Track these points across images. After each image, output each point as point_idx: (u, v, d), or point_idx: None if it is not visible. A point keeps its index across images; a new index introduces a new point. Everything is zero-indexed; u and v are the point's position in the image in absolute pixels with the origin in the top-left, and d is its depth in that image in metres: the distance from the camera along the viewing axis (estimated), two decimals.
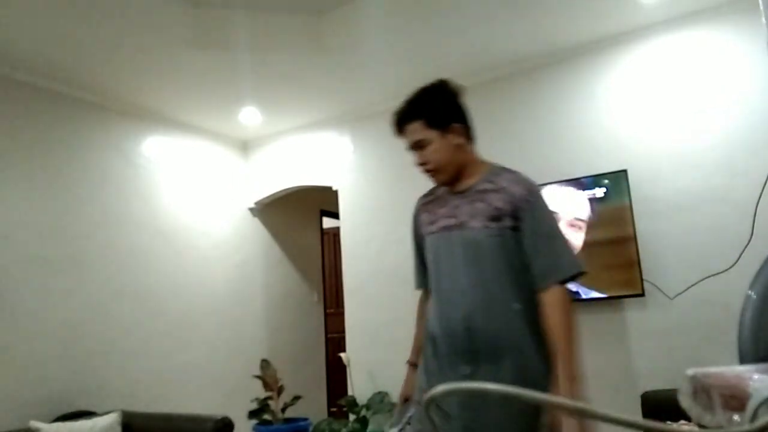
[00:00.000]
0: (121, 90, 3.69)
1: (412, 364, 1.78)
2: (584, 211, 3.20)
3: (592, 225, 3.19)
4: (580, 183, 3.24)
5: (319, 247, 5.61)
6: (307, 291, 5.37)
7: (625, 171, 3.14)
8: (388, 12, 3.24)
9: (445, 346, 1.58)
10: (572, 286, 3.18)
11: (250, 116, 4.26)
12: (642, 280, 3.03)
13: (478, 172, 1.67)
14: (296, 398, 4.04)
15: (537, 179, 3.39)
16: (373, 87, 3.93)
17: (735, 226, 2.89)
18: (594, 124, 3.41)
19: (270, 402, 3.95)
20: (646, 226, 3.13)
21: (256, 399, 3.95)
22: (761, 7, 1.12)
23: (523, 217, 1.56)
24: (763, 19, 1.11)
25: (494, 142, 3.73)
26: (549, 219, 1.60)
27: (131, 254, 3.77)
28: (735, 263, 2.78)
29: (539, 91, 3.61)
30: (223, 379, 4.24)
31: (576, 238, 3.19)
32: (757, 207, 2.61)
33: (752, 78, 3.00)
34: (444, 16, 3.10)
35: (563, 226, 3.24)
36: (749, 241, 2.68)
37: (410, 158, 1.68)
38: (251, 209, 4.80)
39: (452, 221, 1.62)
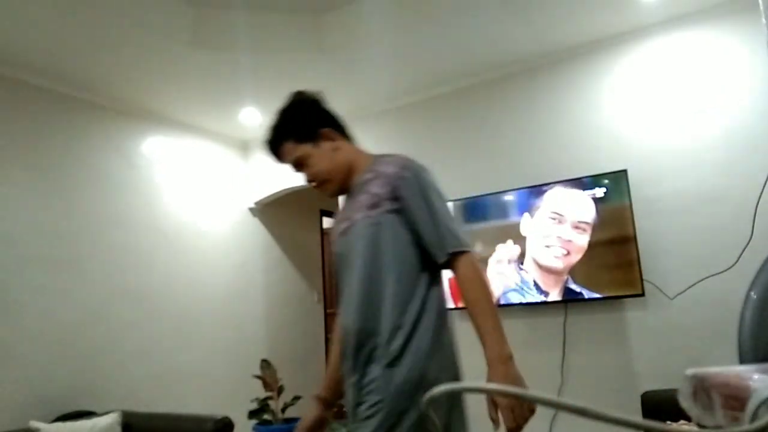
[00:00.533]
0: (121, 90, 3.69)
1: (315, 398, 1.64)
2: (589, 214, 3.19)
3: (593, 225, 3.19)
4: (581, 183, 3.24)
5: (319, 247, 5.61)
6: (307, 291, 5.37)
7: (625, 171, 3.14)
8: (388, 12, 3.24)
9: (345, 356, 1.49)
10: (575, 287, 3.19)
11: (250, 116, 4.26)
12: (642, 280, 3.03)
13: (363, 166, 1.57)
14: (296, 398, 4.04)
15: (537, 179, 3.42)
16: (373, 87, 3.93)
17: (735, 226, 2.89)
18: (594, 124, 3.41)
19: (270, 402, 3.95)
20: (646, 226, 3.13)
21: (256, 399, 3.95)
22: (761, 7, 1.12)
23: (402, 195, 1.44)
24: (763, 19, 1.11)
25: (494, 142, 3.74)
26: (431, 192, 1.46)
27: (131, 254, 3.77)
28: (735, 263, 2.78)
29: (539, 91, 3.61)
30: (223, 379, 4.24)
31: (580, 241, 3.19)
32: (757, 207, 2.61)
33: (752, 78, 3.00)
34: (444, 16, 3.10)
35: (567, 228, 3.24)
36: (749, 241, 2.69)
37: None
38: (251, 209, 4.80)
39: (346, 224, 1.53)
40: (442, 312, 1.46)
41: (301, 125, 1.59)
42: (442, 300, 1.48)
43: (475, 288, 1.37)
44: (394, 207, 1.45)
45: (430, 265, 1.45)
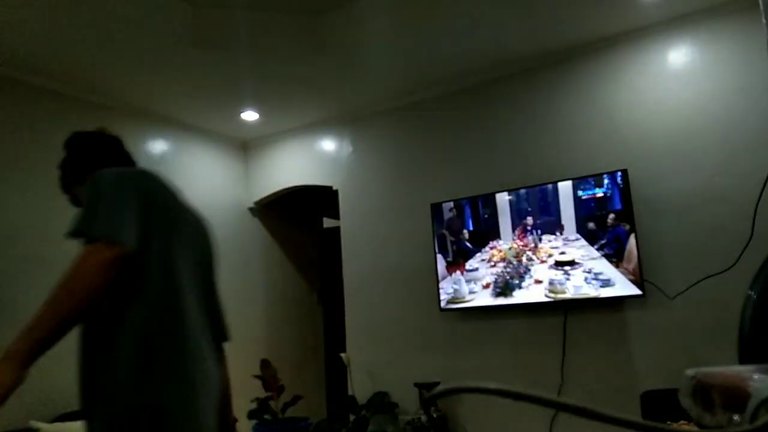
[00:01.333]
0: (121, 90, 3.69)
1: None
2: (591, 214, 3.20)
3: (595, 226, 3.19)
4: (581, 183, 3.24)
5: (319, 247, 5.61)
6: (307, 291, 5.37)
7: (625, 171, 3.15)
8: (388, 12, 3.24)
9: None
10: (576, 288, 3.18)
11: (250, 116, 4.26)
12: (642, 280, 3.03)
13: None
14: (296, 398, 4.04)
15: (537, 179, 3.42)
16: (373, 87, 3.93)
17: (735, 226, 2.89)
18: (594, 124, 3.41)
19: (270, 402, 3.95)
20: (646, 226, 3.13)
21: (256, 399, 3.95)
22: (761, 8, 1.12)
23: None
24: (763, 19, 1.11)
25: (494, 143, 3.74)
26: (94, 193, 1.33)
27: None
28: (735, 263, 2.78)
29: (539, 91, 3.61)
30: None
31: (583, 241, 3.19)
32: (757, 207, 2.60)
33: (752, 78, 3.00)
34: (444, 16, 3.10)
35: (570, 229, 3.24)
36: (749, 241, 2.68)
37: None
38: (251, 209, 4.80)
39: None
40: (148, 338, 1.28)
41: (68, 171, 1.66)
42: (151, 322, 1.29)
43: (66, 277, 1.22)
44: None
45: (128, 285, 1.29)
